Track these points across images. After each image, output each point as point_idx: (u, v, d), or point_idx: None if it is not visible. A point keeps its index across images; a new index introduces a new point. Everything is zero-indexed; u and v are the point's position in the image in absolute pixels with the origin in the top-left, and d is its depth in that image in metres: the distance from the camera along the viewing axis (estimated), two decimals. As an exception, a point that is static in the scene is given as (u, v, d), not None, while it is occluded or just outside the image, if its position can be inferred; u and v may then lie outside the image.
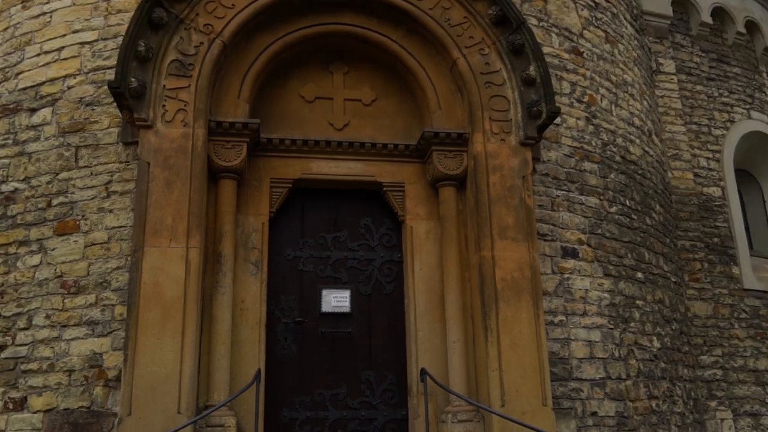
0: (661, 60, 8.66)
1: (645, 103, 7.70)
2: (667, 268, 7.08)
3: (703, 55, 9.15)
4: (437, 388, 5.24)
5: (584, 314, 5.84)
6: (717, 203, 8.46)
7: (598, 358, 5.80)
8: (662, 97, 8.49)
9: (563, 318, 5.72)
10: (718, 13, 9.40)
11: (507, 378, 5.08)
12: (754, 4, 9.85)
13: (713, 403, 7.46)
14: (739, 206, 8.66)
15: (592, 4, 7.25)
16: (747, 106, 9.28)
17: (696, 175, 8.39)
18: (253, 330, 5.30)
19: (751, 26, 9.70)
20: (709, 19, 9.19)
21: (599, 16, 7.28)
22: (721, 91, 9.11)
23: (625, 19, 7.87)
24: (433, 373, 5.28)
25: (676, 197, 8.12)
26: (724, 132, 8.88)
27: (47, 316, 5.16)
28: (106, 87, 5.58)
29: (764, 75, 9.77)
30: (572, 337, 5.71)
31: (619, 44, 7.48)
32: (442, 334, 5.50)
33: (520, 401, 5.05)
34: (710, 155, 8.65)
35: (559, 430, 5.28)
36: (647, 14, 8.78)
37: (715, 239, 8.29)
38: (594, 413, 5.61)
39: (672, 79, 8.64)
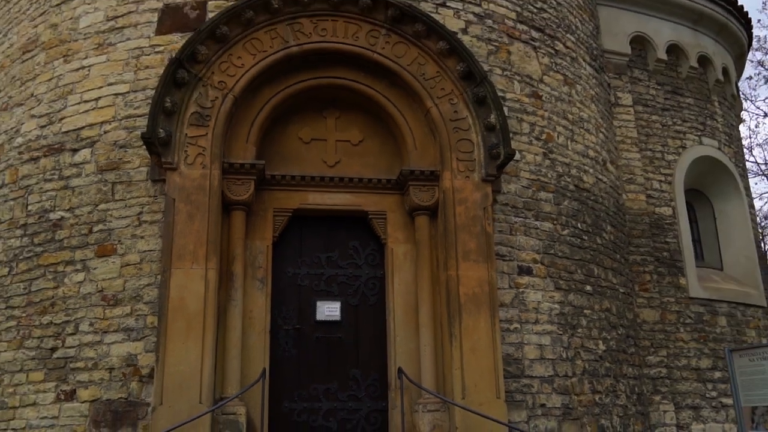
0: (619, 94, 9.76)
1: (601, 135, 8.81)
2: (615, 280, 8.20)
3: (659, 87, 10.25)
4: (411, 384, 6.37)
5: (536, 322, 6.97)
6: (668, 221, 9.56)
7: (548, 359, 6.93)
8: (620, 127, 9.61)
9: (518, 325, 6.85)
10: (674, 49, 10.48)
11: (467, 376, 6.21)
12: (708, 40, 10.94)
13: (657, 398, 8.58)
14: (687, 224, 9.75)
15: (553, 52, 8.36)
16: (699, 133, 10.39)
17: (649, 196, 9.50)
18: (259, 335, 6.44)
19: (704, 60, 10.79)
20: (664, 56, 10.28)
21: (559, 61, 8.39)
22: (674, 120, 10.20)
23: (584, 60, 8.97)
24: (408, 372, 6.41)
25: (630, 217, 9.23)
26: (677, 157, 9.98)
27: (91, 324, 6.29)
28: (137, 132, 6.70)
29: (716, 104, 10.87)
30: (525, 342, 6.84)
31: (577, 85, 8.59)
32: (416, 339, 6.63)
33: (478, 395, 6.18)
34: (663, 178, 9.75)
35: (511, 418, 6.40)
36: (608, 52, 9.88)
37: (665, 253, 9.40)
38: (543, 405, 6.74)
39: (629, 110, 9.75)
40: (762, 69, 24.56)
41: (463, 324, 6.35)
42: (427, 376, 6.45)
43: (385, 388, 6.68)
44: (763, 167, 26.49)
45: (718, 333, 9.40)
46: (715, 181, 10.63)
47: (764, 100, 36.10)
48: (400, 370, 6.42)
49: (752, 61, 25.67)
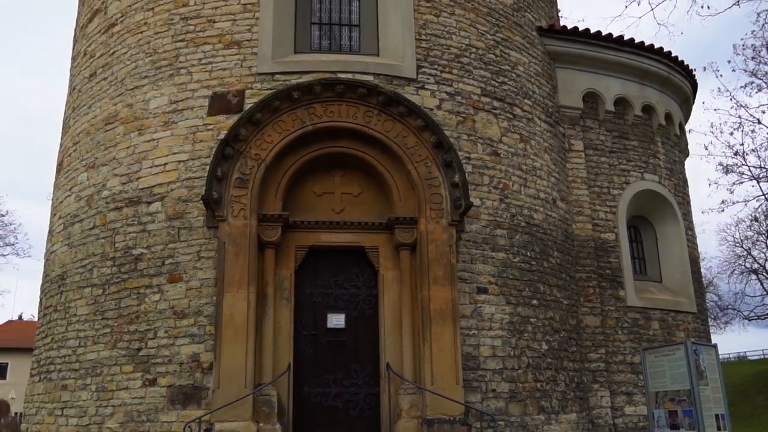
0: (572, 141, 12.06)
1: (552, 179, 11.13)
2: (559, 294, 10.55)
3: (608, 133, 12.52)
4: (396, 375, 8.78)
5: (490, 329, 9.36)
6: (611, 245, 11.86)
7: (499, 356, 9.32)
8: (572, 169, 11.91)
9: (476, 332, 9.24)
10: (621, 101, 12.73)
11: (435, 369, 8.61)
12: (653, 91, 13.17)
13: (596, 386, 10.91)
14: (628, 246, 12.04)
15: (511, 116, 10.69)
16: (642, 170, 12.65)
17: (595, 225, 11.80)
18: (285, 339, 8.90)
19: (648, 108, 13.03)
20: (612, 108, 12.55)
21: (516, 123, 10.73)
22: (620, 160, 12.48)
23: (540, 119, 11.29)
24: (394, 366, 8.83)
25: (578, 242, 11.54)
26: (621, 191, 12.26)
27: (165, 331, 8.80)
28: (195, 190, 9.19)
29: (659, 144, 13.12)
30: (481, 344, 9.23)
31: (532, 140, 10.92)
32: (400, 342, 9.04)
33: (443, 382, 8.58)
34: (608, 209, 12.04)
35: (468, 399, 8.79)
36: (564, 107, 12.17)
37: (608, 271, 11.71)
38: (494, 390, 9.13)
39: (580, 154, 12.04)
40: (755, 78, 26.54)
41: (432, 331, 8.75)
42: (407, 369, 8.87)
43: (377, 378, 9.10)
44: (756, 171, 28.50)
45: (651, 335, 11.70)
46: (656, 209, 12.90)
47: (758, 107, 37.79)
48: (388, 365, 8.86)
49: (745, 71, 28.05)
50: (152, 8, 10.43)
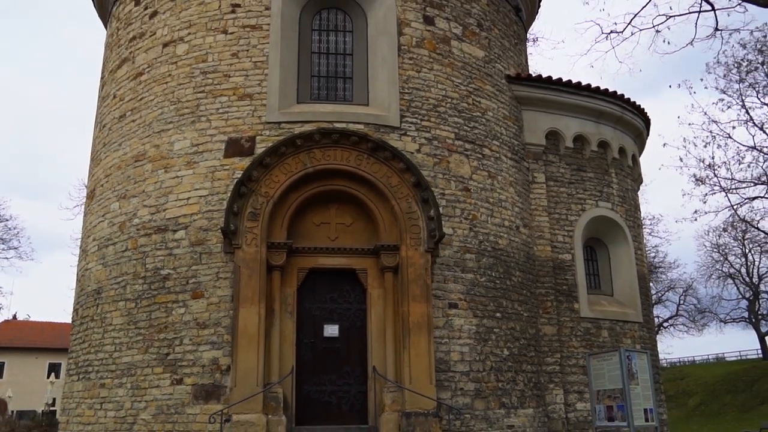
0: (535, 174, 13.95)
1: (516, 208, 13.03)
2: (520, 308, 12.44)
3: (567, 166, 14.43)
4: (380, 377, 10.65)
5: (459, 338, 11.24)
6: (568, 264, 13.77)
7: (466, 360, 11.20)
8: (535, 198, 13.80)
9: (447, 340, 11.12)
10: (579, 138, 14.64)
11: (413, 371, 10.48)
12: (608, 128, 15.10)
13: (552, 386, 12.82)
14: (582, 265, 13.94)
15: (481, 156, 12.58)
16: (596, 198, 14.57)
17: (554, 247, 13.71)
18: (289, 346, 10.74)
19: (604, 143, 14.95)
20: (571, 144, 14.45)
21: (485, 162, 12.61)
22: (578, 190, 14.39)
23: (506, 156, 13.18)
24: (379, 369, 10.71)
25: (539, 262, 13.44)
26: (577, 217, 14.17)
27: (190, 339, 10.63)
28: (214, 221, 11.01)
29: (613, 175, 15.05)
30: (452, 350, 11.11)
31: (499, 176, 12.81)
32: (384, 348, 10.91)
33: (419, 382, 10.45)
34: (566, 233, 13.95)
35: (440, 396, 10.66)
36: (529, 144, 14.06)
37: (565, 287, 13.62)
38: (461, 389, 11.01)
39: (542, 186, 13.93)
40: (725, 95, 28.68)
41: (411, 340, 10.62)
42: (390, 371, 10.75)
43: (365, 378, 10.97)
44: (726, 182, 30.59)
45: (601, 341, 13.61)
46: (609, 232, 14.83)
47: (729, 122, 39.93)
48: (374, 368, 10.74)
49: (716, 88, 30.43)
50: (175, 62, 12.25)
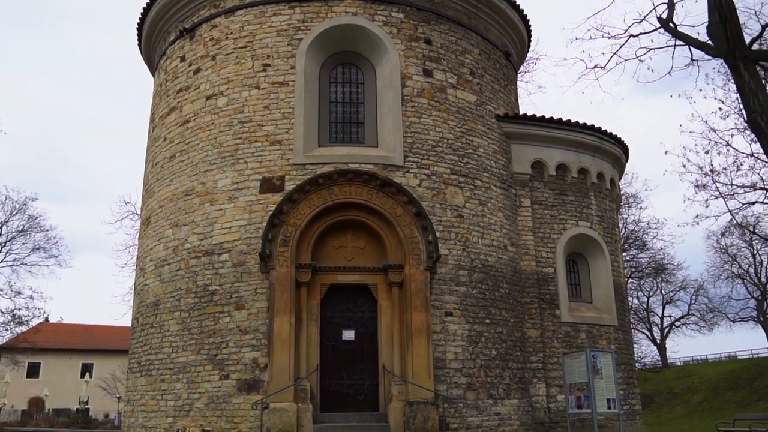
0: (522, 199, 16.26)
1: (504, 230, 15.36)
2: (507, 315, 14.77)
3: (550, 191, 16.71)
4: (388, 373, 13.06)
5: (453, 341, 13.61)
6: (551, 276, 16.06)
7: (460, 359, 13.57)
8: (521, 220, 16.11)
9: (443, 343, 13.50)
10: (561, 166, 16.91)
11: (415, 368, 12.89)
12: (586, 156, 17.35)
13: (535, 380, 15.12)
14: (564, 277, 16.20)
15: (473, 187, 14.93)
16: (577, 219, 16.84)
17: (538, 262, 16.01)
18: (314, 348, 13.20)
19: (583, 170, 17.21)
20: (554, 172, 16.72)
21: (477, 192, 14.96)
22: (560, 211, 16.67)
23: (495, 186, 15.52)
24: (387, 366, 13.14)
25: (525, 275, 15.74)
26: (559, 235, 16.45)
27: (234, 343, 13.13)
28: (252, 246, 13.49)
29: (592, 197, 17.30)
30: (447, 351, 13.49)
31: (489, 203, 15.15)
32: (392, 349, 13.33)
33: (420, 376, 12.85)
34: (549, 250, 16.24)
35: (438, 388, 13.05)
36: (516, 173, 16.37)
37: (548, 296, 15.91)
38: (455, 382, 13.39)
39: (528, 209, 16.24)
40: (723, 105, 30.67)
41: (413, 342, 13.03)
42: (396, 368, 13.16)
43: (377, 374, 13.39)
44: (723, 188, 32.48)
45: (579, 343, 15.89)
46: (588, 247, 17.10)
47: (728, 130, 41.76)
48: (383, 366, 13.17)
49: (715, 98, 32.74)
50: (217, 113, 14.76)
